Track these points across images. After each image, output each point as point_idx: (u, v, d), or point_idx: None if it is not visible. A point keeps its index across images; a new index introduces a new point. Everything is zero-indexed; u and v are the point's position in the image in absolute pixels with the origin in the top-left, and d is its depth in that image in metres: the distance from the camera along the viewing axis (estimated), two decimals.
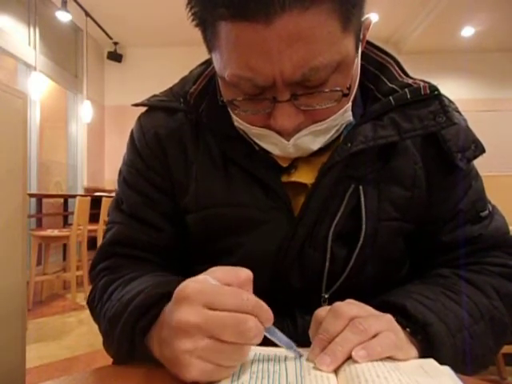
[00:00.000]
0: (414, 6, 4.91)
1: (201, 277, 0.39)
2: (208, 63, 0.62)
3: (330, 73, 0.44)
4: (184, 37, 5.45)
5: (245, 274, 0.39)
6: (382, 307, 0.45)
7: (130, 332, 0.43)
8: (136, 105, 0.62)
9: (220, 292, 0.37)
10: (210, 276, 0.39)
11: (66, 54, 5.34)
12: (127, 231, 0.60)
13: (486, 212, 0.59)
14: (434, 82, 0.56)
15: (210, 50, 0.48)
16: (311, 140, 0.50)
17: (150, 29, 5.55)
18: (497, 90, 6.13)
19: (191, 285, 0.38)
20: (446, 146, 0.55)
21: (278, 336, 0.40)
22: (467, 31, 5.44)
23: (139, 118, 0.64)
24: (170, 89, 0.64)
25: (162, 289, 0.44)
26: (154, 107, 0.62)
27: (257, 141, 0.53)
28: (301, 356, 0.41)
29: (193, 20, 0.46)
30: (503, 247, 0.59)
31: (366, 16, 0.47)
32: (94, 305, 0.56)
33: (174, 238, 0.60)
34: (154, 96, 0.64)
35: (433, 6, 4.85)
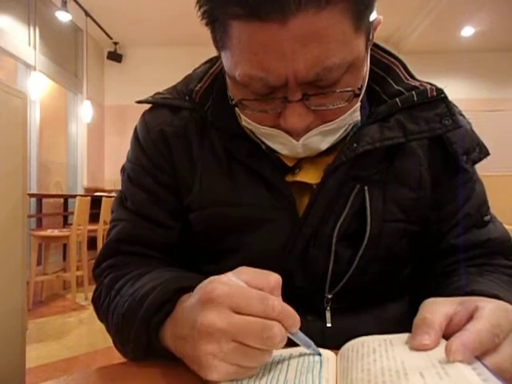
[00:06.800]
0: (414, 6, 4.91)
1: (227, 277, 0.38)
2: (213, 62, 0.61)
3: (342, 73, 0.44)
4: (184, 37, 5.46)
5: (274, 278, 0.39)
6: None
7: (147, 328, 0.43)
8: (140, 102, 0.62)
9: (247, 296, 0.36)
10: (237, 277, 0.38)
11: (66, 53, 5.34)
12: (132, 228, 0.59)
13: (489, 217, 0.60)
14: (438, 84, 0.55)
15: (220, 49, 0.48)
16: (320, 140, 0.50)
17: (151, 29, 5.55)
18: (497, 90, 6.12)
19: (219, 287, 0.37)
20: (452, 149, 0.56)
21: (299, 336, 0.40)
22: (467, 31, 5.44)
23: (143, 115, 0.63)
24: (174, 86, 0.63)
25: (176, 284, 0.44)
26: (158, 104, 0.62)
27: (265, 140, 0.53)
28: (320, 355, 0.41)
29: (202, 19, 0.45)
30: (506, 254, 0.59)
31: (376, 16, 0.47)
32: (99, 302, 0.55)
33: (179, 236, 0.60)
34: (158, 93, 0.63)
35: (433, 6, 4.84)
